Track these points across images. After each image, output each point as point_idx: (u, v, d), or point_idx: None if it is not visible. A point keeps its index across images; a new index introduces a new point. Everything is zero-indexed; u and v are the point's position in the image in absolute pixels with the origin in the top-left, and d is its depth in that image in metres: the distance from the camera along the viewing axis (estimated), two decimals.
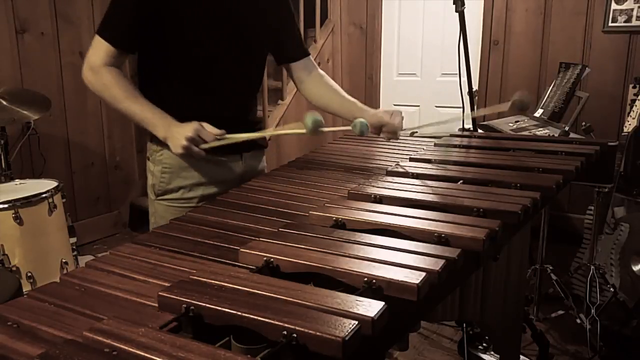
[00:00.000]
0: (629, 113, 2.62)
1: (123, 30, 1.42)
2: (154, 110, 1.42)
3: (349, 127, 1.42)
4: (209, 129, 1.38)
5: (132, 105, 1.42)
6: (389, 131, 1.51)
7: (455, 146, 1.74)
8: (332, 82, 1.71)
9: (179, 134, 1.36)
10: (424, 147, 1.74)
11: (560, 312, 2.60)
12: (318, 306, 0.71)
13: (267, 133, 1.74)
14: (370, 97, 4.43)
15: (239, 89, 1.57)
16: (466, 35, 2.07)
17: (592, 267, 2.51)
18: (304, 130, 1.36)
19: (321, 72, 1.71)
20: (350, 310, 0.70)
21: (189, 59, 1.47)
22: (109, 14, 1.44)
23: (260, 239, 0.97)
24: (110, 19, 1.43)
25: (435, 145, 1.75)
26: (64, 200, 2.60)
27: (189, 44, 1.45)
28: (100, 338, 0.66)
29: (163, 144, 1.45)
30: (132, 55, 1.50)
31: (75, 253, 2.71)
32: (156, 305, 0.77)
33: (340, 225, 1.05)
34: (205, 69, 1.49)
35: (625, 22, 3.37)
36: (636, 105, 2.56)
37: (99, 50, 1.42)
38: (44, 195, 2.42)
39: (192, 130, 1.35)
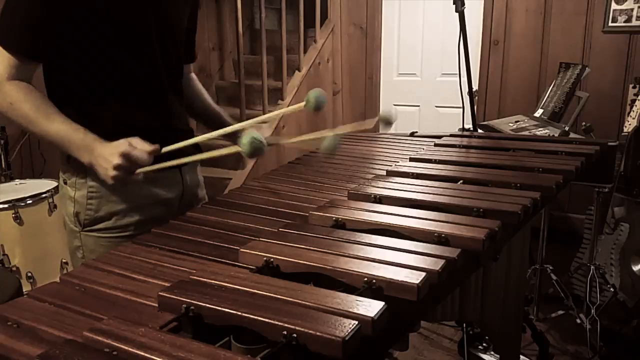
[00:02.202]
0: (629, 113, 2.62)
1: (27, 35, 1.16)
2: (74, 130, 1.17)
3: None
4: (140, 147, 1.14)
5: (47, 125, 1.16)
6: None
7: (454, 146, 1.74)
8: (203, 90, 1.58)
9: (105, 161, 1.12)
10: (424, 147, 1.74)
11: (560, 312, 2.60)
12: (318, 306, 0.71)
13: (201, 138, 1.35)
14: (370, 97, 4.43)
15: (164, 96, 1.36)
16: (466, 35, 2.07)
17: (592, 267, 2.51)
18: (240, 149, 1.12)
19: (195, 76, 1.58)
20: (350, 310, 0.70)
21: (109, 64, 1.25)
22: (6, 14, 1.17)
23: (260, 239, 0.97)
24: (9, 20, 1.17)
25: (435, 145, 1.75)
26: None
27: (109, 47, 1.24)
28: (100, 338, 0.66)
29: (85, 166, 1.21)
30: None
31: None
32: (156, 305, 0.77)
33: (340, 225, 1.05)
34: (128, 76, 1.28)
35: (625, 22, 3.37)
36: (636, 105, 2.56)
37: (0, 62, 1.17)
38: (44, 195, 2.42)
39: (119, 157, 1.11)
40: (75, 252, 1.34)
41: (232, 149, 1.19)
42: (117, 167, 1.11)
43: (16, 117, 1.18)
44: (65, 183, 1.32)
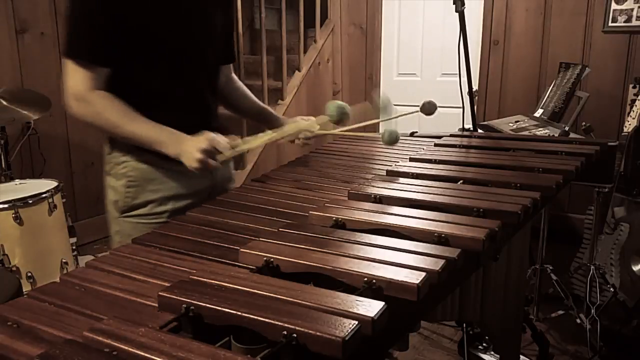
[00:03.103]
0: (629, 113, 2.62)
1: (94, 45, 1.28)
2: (159, 128, 1.32)
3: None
4: (222, 139, 1.30)
5: (134, 127, 1.31)
6: (306, 133, 1.59)
7: (454, 146, 1.74)
8: (246, 88, 1.71)
9: (193, 146, 1.27)
10: (424, 147, 1.74)
11: (560, 312, 2.60)
12: (318, 306, 0.71)
13: (282, 135, 1.53)
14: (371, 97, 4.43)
15: (201, 95, 1.47)
16: (466, 35, 2.07)
17: (592, 267, 2.51)
18: (326, 119, 1.31)
19: (235, 77, 1.69)
20: (350, 310, 0.70)
21: (152, 69, 1.36)
22: (72, 31, 1.29)
23: (260, 239, 0.97)
24: (76, 36, 1.29)
25: (435, 145, 1.75)
26: (64, 200, 2.60)
27: (154, 48, 1.34)
28: (100, 338, 0.66)
29: (127, 154, 1.38)
30: None
31: (75, 253, 2.71)
32: (156, 305, 0.77)
33: (340, 225, 1.05)
34: (169, 78, 1.39)
35: (625, 22, 3.37)
36: (636, 105, 2.56)
37: (77, 75, 1.29)
38: (44, 195, 2.42)
39: (206, 142, 1.27)
40: (114, 237, 1.45)
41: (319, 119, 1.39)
42: (202, 151, 1.26)
43: (102, 123, 1.31)
44: (108, 174, 1.43)
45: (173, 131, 1.32)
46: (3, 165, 2.83)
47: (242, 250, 0.92)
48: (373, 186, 1.27)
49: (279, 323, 0.67)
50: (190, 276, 0.82)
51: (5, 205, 2.31)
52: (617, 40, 3.41)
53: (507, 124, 2.81)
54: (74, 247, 2.69)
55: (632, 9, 3.34)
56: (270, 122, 1.67)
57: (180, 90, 1.41)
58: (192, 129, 1.38)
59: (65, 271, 2.48)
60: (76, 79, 1.29)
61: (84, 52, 1.28)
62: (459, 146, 1.74)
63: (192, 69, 1.42)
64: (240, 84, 1.70)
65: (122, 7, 1.27)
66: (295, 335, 0.65)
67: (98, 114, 1.30)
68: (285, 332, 0.66)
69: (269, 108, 1.72)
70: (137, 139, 1.32)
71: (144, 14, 1.30)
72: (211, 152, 1.27)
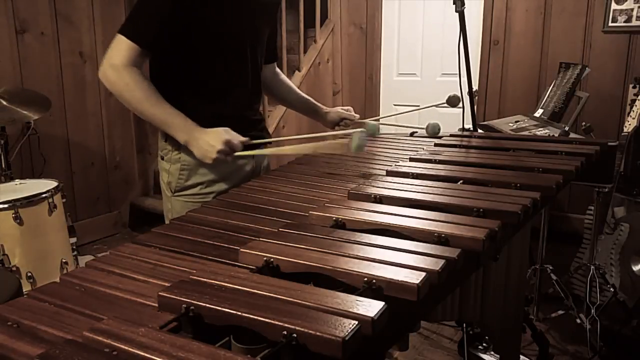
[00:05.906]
0: (629, 113, 2.62)
1: (152, 31, 1.41)
2: (175, 114, 1.42)
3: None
4: (236, 137, 1.41)
5: (153, 108, 1.41)
6: (347, 121, 1.84)
7: (454, 146, 1.74)
8: (290, 82, 1.90)
9: (207, 144, 1.39)
10: (424, 147, 1.74)
11: (560, 312, 2.60)
12: (318, 306, 0.71)
13: (298, 150, 1.56)
14: (370, 97, 4.43)
15: (249, 90, 1.61)
16: (466, 35, 2.07)
17: (592, 267, 2.51)
18: (343, 147, 1.35)
19: (280, 71, 1.87)
20: (350, 310, 0.70)
21: (207, 64, 1.49)
22: (137, 13, 1.43)
23: (260, 239, 0.97)
24: (139, 18, 1.42)
25: (435, 145, 1.75)
26: (64, 200, 2.60)
27: (211, 45, 1.48)
28: (100, 338, 0.66)
29: (181, 145, 1.48)
30: None
31: (75, 253, 2.71)
32: (156, 305, 0.77)
33: (340, 225, 1.05)
34: (221, 71, 1.52)
35: (625, 22, 3.37)
36: (636, 105, 2.56)
37: (122, 49, 1.40)
38: (44, 195, 2.42)
39: (222, 143, 1.38)
40: (166, 214, 1.61)
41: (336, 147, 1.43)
42: (219, 152, 1.38)
43: (128, 97, 1.41)
44: (162, 159, 1.59)
45: (186, 120, 1.42)
46: (3, 165, 2.83)
47: (242, 250, 0.92)
48: (373, 186, 1.27)
49: (279, 323, 0.67)
50: (190, 276, 0.82)
51: (5, 205, 2.31)
52: (617, 40, 3.41)
53: (507, 124, 2.81)
54: (74, 247, 2.70)
55: (632, 9, 3.34)
56: (315, 112, 1.89)
57: (228, 83, 1.54)
58: (232, 118, 1.51)
59: (65, 271, 2.49)
60: (119, 50, 1.39)
61: (136, 33, 1.40)
62: (459, 146, 1.74)
63: (244, 70, 1.56)
64: (285, 78, 1.88)
65: (186, 5, 1.40)
66: (295, 335, 0.65)
67: (126, 86, 1.39)
68: (285, 332, 0.66)
69: (312, 100, 1.91)
70: (153, 119, 1.43)
71: (204, 14, 1.43)
72: (226, 151, 1.39)
